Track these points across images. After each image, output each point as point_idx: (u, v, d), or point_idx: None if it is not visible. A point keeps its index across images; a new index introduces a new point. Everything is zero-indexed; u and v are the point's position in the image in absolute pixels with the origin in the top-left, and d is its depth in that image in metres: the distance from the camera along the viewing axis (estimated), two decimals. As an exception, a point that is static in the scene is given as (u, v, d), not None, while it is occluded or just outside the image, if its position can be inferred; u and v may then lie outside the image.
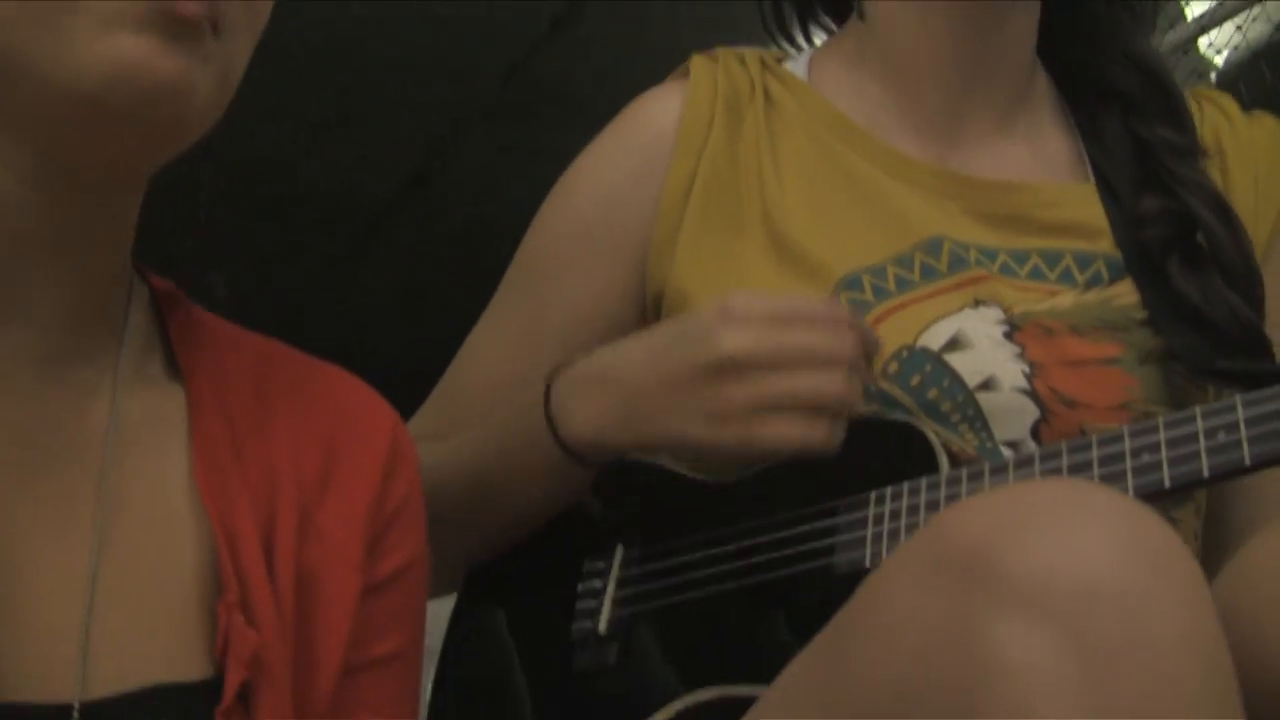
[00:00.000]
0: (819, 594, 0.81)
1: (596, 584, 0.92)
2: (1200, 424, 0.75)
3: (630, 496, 0.96)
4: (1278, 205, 1.01)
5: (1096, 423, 0.89)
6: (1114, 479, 0.76)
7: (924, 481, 0.83)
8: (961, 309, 0.94)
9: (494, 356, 1.06)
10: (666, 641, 0.89)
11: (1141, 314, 0.95)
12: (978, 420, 0.90)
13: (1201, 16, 2.24)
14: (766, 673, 0.70)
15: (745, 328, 0.85)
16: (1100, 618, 0.54)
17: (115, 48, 0.61)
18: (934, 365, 0.91)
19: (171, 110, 0.63)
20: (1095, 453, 0.78)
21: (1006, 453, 0.89)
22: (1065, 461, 0.79)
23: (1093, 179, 1.02)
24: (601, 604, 0.91)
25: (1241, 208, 0.98)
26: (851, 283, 0.95)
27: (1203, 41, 2.27)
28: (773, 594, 0.85)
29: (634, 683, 0.89)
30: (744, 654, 0.86)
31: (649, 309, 1.02)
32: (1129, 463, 0.76)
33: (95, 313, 0.71)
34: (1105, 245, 0.98)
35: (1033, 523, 0.57)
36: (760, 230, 1.00)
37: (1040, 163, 1.03)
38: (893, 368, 0.92)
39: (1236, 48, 2.23)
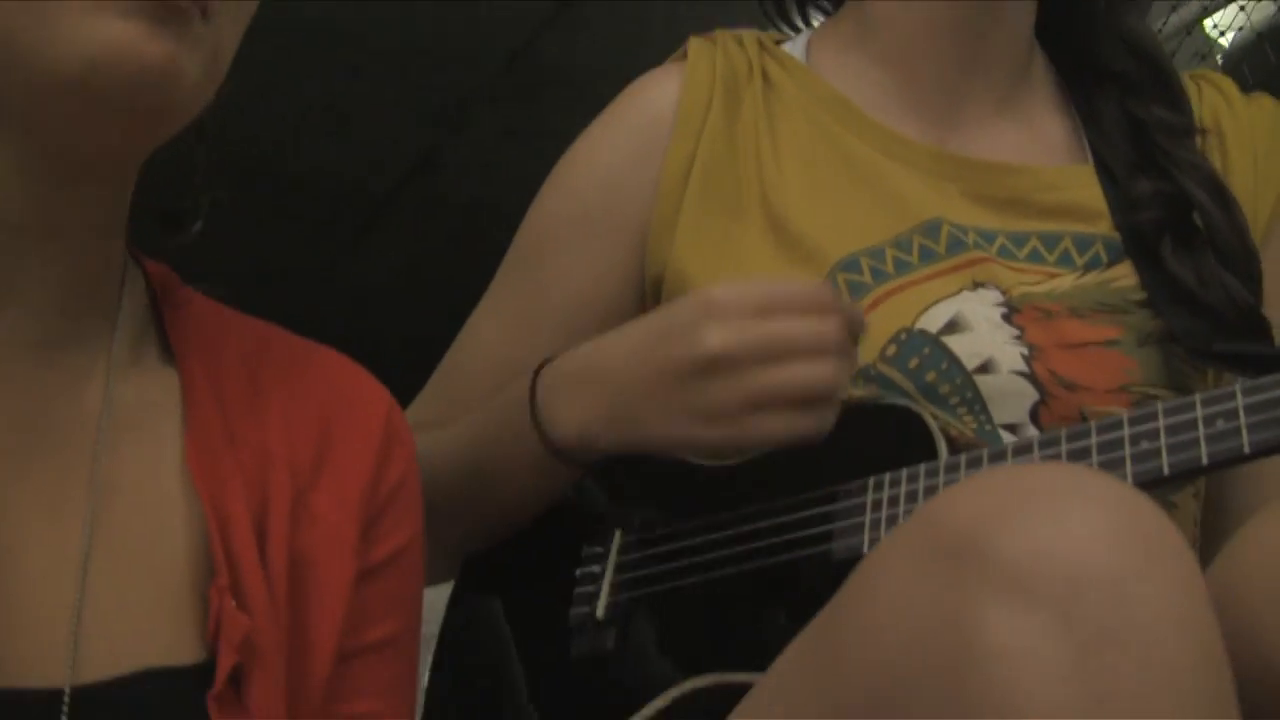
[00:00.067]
0: (817, 580, 0.81)
1: (594, 569, 0.92)
2: (1199, 411, 0.75)
3: (628, 482, 0.95)
4: (1277, 187, 1.00)
5: (1096, 405, 0.89)
6: (1113, 466, 0.76)
7: (922, 468, 0.82)
8: (960, 291, 0.93)
9: (493, 339, 1.06)
10: (664, 627, 0.89)
11: (1140, 296, 0.94)
12: (976, 403, 0.90)
13: (1206, -4, 2.24)
14: (764, 659, 0.69)
15: (729, 322, 0.84)
16: (1092, 603, 0.54)
17: (102, 32, 0.61)
18: (932, 348, 0.91)
19: (159, 95, 0.63)
20: (1094, 439, 0.78)
21: (1006, 436, 0.89)
22: (1064, 448, 0.78)
23: (1091, 161, 1.02)
24: (599, 589, 0.91)
25: (1240, 189, 0.97)
26: (849, 265, 0.95)
27: (1207, 23, 2.26)
28: (771, 580, 0.85)
29: (631, 668, 0.88)
30: (742, 640, 0.85)
31: (648, 292, 1.02)
32: (1128, 450, 0.76)
33: (88, 298, 0.71)
34: (1104, 227, 0.98)
35: (1024, 508, 0.57)
36: (759, 212, 0.99)
37: (1039, 145, 1.03)
38: (891, 350, 0.91)
39: (1241, 29, 2.22)
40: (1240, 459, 0.73)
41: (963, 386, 0.90)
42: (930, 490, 0.81)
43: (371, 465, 0.76)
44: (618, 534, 0.93)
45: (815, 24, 1.15)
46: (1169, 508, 0.93)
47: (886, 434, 0.87)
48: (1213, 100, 1.04)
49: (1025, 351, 0.91)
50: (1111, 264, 0.96)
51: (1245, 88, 1.07)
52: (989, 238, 0.97)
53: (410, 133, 3.32)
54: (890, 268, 0.95)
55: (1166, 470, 0.74)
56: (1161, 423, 0.75)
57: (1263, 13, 2.16)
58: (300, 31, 2.78)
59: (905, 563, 0.59)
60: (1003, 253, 0.96)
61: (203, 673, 0.65)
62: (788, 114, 1.03)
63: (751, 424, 0.84)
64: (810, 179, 1.00)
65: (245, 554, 0.68)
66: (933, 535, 0.58)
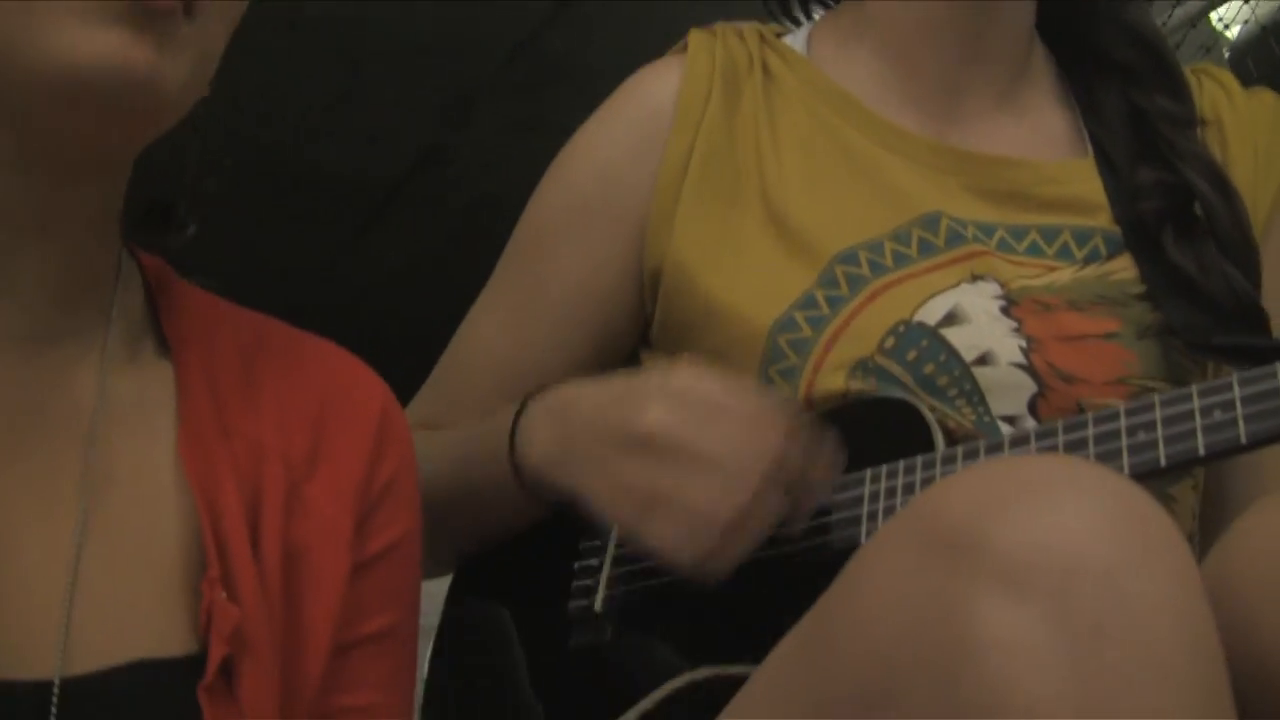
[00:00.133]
0: (814, 572, 0.80)
1: (593, 562, 0.92)
2: (1196, 402, 0.75)
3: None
4: (1277, 181, 1.00)
5: (1094, 398, 0.89)
6: (1110, 457, 0.76)
7: (919, 460, 0.82)
8: (959, 284, 0.93)
9: (491, 335, 1.06)
10: (662, 620, 0.89)
11: (1139, 289, 0.94)
12: (975, 395, 0.90)
13: (1211, -10, 2.23)
14: (762, 651, 0.69)
15: (675, 406, 0.81)
16: (1086, 594, 0.54)
17: (86, 42, 0.62)
18: (931, 340, 0.91)
19: (144, 99, 0.64)
20: (1091, 431, 0.78)
21: (1004, 428, 0.89)
22: (1061, 440, 0.78)
23: (1091, 154, 1.02)
24: (597, 582, 0.91)
25: (1241, 182, 0.97)
26: (848, 257, 0.95)
27: (1213, 16, 2.26)
28: (769, 571, 0.85)
29: (629, 661, 0.89)
30: (739, 632, 0.85)
31: (647, 284, 1.02)
32: (1125, 441, 0.76)
33: (82, 292, 0.71)
34: (1103, 220, 0.98)
35: (1019, 499, 0.57)
36: (758, 205, 0.99)
37: (1039, 138, 1.03)
38: (889, 343, 0.91)
39: (1246, 22, 2.22)
40: (1237, 449, 0.73)
41: (961, 379, 0.90)
42: (927, 482, 0.81)
43: (367, 458, 0.76)
44: (616, 527, 0.93)
45: (817, 17, 1.15)
46: (1167, 501, 0.93)
47: (884, 426, 0.87)
48: (1213, 94, 1.04)
49: (1024, 344, 0.91)
50: (1110, 257, 0.96)
51: (1250, 81, 1.07)
52: (988, 231, 0.97)
53: (413, 128, 3.32)
54: (889, 260, 0.95)
55: (1163, 461, 0.74)
56: (1158, 414, 0.75)
57: (1268, 7, 2.16)
58: (303, 28, 2.77)
59: (899, 554, 0.59)
60: (1002, 246, 0.96)
61: (194, 664, 0.65)
62: (787, 106, 1.03)
63: (650, 517, 0.81)
64: (810, 171, 1.00)
65: (237, 546, 0.68)
66: (927, 527, 0.58)
